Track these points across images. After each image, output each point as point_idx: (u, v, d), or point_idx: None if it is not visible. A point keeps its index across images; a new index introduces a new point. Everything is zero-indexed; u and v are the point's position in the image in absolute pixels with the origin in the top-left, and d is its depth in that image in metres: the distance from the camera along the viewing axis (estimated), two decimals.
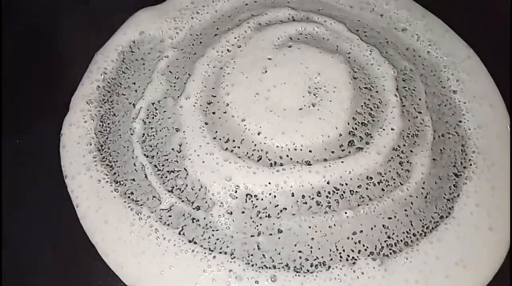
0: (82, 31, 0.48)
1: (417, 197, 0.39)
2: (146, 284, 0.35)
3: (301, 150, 0.40)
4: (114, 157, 0.40)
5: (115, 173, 0.39)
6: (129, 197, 0.38)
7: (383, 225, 0.38)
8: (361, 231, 0.37)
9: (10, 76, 0.44)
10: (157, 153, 0.40)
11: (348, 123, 0.41)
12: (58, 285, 0.36)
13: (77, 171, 0.39)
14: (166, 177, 0.39)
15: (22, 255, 0.36)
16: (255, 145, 0.40)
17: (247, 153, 0.40)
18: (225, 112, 0.42)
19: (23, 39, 0.46)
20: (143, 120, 0.42)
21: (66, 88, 0.43)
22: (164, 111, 0.43)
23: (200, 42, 0.47)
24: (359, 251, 0.36)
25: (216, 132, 0.41)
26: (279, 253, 0.36)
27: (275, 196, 0.38)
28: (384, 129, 0.41)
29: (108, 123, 0.42)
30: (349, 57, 0.46)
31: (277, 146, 0.40)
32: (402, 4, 0.50)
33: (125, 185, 0.39)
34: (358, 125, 0.41)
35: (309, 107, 0.41)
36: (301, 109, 0.41)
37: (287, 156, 0.40)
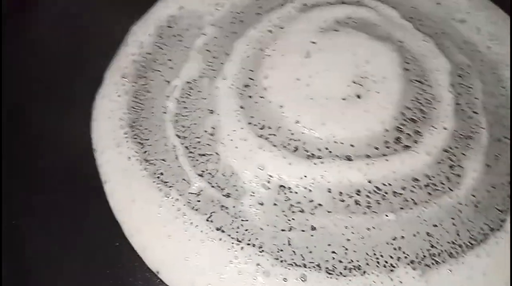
0: (120, 3, 0.46)
1: (466, 205, 0.36)
2: (169, 269, 0.33)
3: (342, 143, 0.37)
4: (145, 135, 0.39)
5: (145, 152, 0.38)
6: (158, 177, 0.37)
7: (427, 233, 0.35)
8: (402, 237, 0.34)
9: (47, 45, 0.43)
10: (190, 134, 0.39)
11: (396, 119, 0.38)
12: (80, 262, 0.35)
13: (107, 146, 0.37)
14: (197, 160, 0.37)
15: (46, 227, 0.36)
16: (292, 134, 0.38)
17: (283, 141, 0.37)
18: (262, 97, 0.39)
19: (63, 10, 0.45)
20: (177, 99, 0.40)
21: (102, 60, 0.42)
22: (199, 91, 0.40)
23: (241, 21, 0.44)
24: (398, 258, 0.34)
25: (252, 117, 0.39)
26: (311, 252, 0.34)
27: (310, 190, 0.35)
28: (435, 128, 0.38)
29: (142, 100, 0.40)
30: (401, 47, 0.42)
31: (316, 137, 0.37)
32: None
33: (155, 165, 0.37)
34: (407, 121, 0.38)
35: (353, 98, 0.38)
36: (344, 99, 0.38)
37: (326, 148, 0.37)
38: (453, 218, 0.35)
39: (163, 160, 0.38)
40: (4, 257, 0.34)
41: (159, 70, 0.42)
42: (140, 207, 0.35)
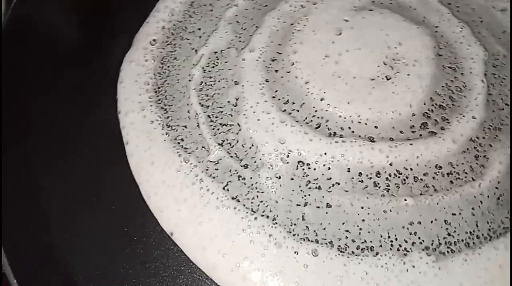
0: None
1: (488, 197, 0.35)
2: (183, 232, 0.34)
3: (366, 124, 0.36)
4: (169, 101, 0.39)
5: (168, 117, 0.38)
6: (178, 143, 0.37)
7: (445, 220, 0.34)
8: (419, 222, 0.34)
9: (79, 8, 0.43)
10: (212, 103, 0.39)
11: (425, 103, 0.37)
12: (97, 219, 0.35)
13: (131, 108, 0.38)
14: (218, 129, 0.37)
15: (66, 184, 0.36)
16: (316, 111, 0.37)
17: (306, 118, 0.37)
18: (288, 72, 0.39)
19: None
20: (203, 68, 0.40)
21: (131, 24, 0.42)
22: (226, 62, 0.40)
23: None
24: (413, 243, 0.33)
25: (276, 91, 0.38)
26: (324, 228, 0.34)
27: (329, 168, 0.35)
28: (464, 116, 0.37)
29: (168, 66, 0.40)
30: (436, 32, 0.41)
31: (340, 116, 0.37)
32: None
33: (177, 130, 0.37)
34: (435, 107, 0.37)
35: (382, 79, 0.38)
36: (373, 79, 0.37)
37: (349, 128, 0.36)
38: (473, 208, 0.34)
39: (184, 126, 0.38)
40: (26, 215, 0.35)
41: (187, 38, 0.42)
42: (159, 170, 0.36)
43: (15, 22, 0.39)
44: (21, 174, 0.36)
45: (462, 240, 0.33)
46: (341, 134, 0.36)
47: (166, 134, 0.37)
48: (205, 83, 0.40)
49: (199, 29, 0.42)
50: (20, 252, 0.32)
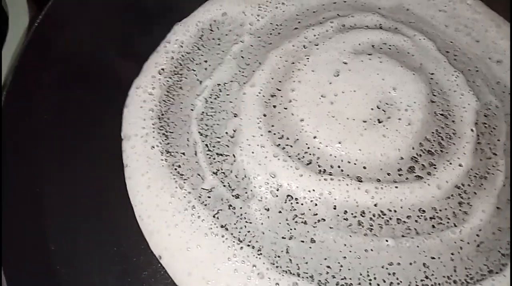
0: (166, 2, 0.48)
1: (468, 243, 0.36)
2: (170, 257, 0.35)
3: (355, 164, 0.38)
4: (171, 128, 0.41)
5: (168, 143, 0.40)
6: (175, 169, 0.39)
7: (424, 264, 0.35)
8: (399, 264, 0.35)
9: (94, 32, 0.46)
10: (211, 133, 0.41)
11: (413, 148, 0.38)
12: (90, 236, 0.37)
13: (134, 133, 0.40)
14: (214, 159, 0.39)
15: (65, 197, 0.38)
16: (308, 148, 0.39)
17: (298, 154, 0.39)
18: (286, 108, 0.41)
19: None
20: (205, 99, 0.42)
21: (141, 53, 0.45)
22: (227, 95, 0.43)
23: (279, 33, 0.46)
24: (390, 283, 0.34)
25: (273, 126, 0.40)
26: (307, 263, 0.35)
27: (316, 204, 0.37)
28: (451, 163, 0.38)
29: (173, 95, 0.43)
30: (431, 78, 0.42)
31: (331, 154, 0.38)
32: (504, 34, 0.46)
33: (175, 157, 0.40)
34: (424, 152, 0.39)
35: (374, 122, 0.39)
36: (365, 121, 0.39)
37: (339, 166, 0.38)
38: (452, 254, 0.35)
39: (183, 153, 0.40)
40: (26, 223, 0.36)
41: (194, 69, 0.44)
42: (155, 194, 0.38)
43: (33, 45, 0.42)
44: (23, 187, 0.38)
45: (439, 284, 0.34)
46: (330, 172, 0.38)
47: (165, 160, 0.39)
48: (206, 113, 0.42)
49: (206, 61, 0.45)
50: (18, 264, 0.34)
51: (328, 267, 0.35)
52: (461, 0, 0.47)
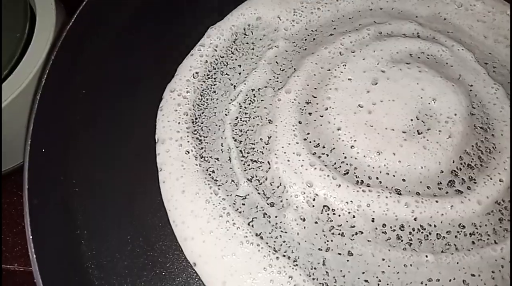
0: (202, 5, 0.48)
1: (510, 262, 0.35)
2: (205, 264, 0.35)
3: (394, 176, 0.37)
4: (205, 132, 0.41)
5: (202, 148, 0.40)
6: (209, 174, 0.38)
7: (464, 281, 0.34)
8: (438, 280, 0.34)
9: (129, 35, 0.45)
10: (245, 139, 0.40)
11: (453, 162, 0.37)
12: (124, 240, 0.37)
13: (169, 136, 0.40)
14: (249, 165, 0.39)
15: (98, 200, 0.38)
16: (345, 158, 0.38)
17: (335, 163, 0.38)
18: (322, 116, 0.40)
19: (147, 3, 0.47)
20: (239, 104, 0.42)
21: (175, 56, 0.44)
22: (262, 100, 0.42)
23: (314, 39, 0.46)
24: None
25: (308, 134, 0.40)
26: (344, 276, 0.34)
27: (353, 216, 0.36)
28: (491, 179, 0.37)
29: (207, 99, 0.42)
30: (470, 90, 0.41)
31: (369, 165, 0.38)
32: None
33: (209, 162, 0.39)
34: (464, 166, 0.38)
35: (414, 133, 0.38)
36: (405, 132, 0.38)
37: (377, 178, 0.37)
38: (493, 272, 0.34)
39: (217, 158, 0.39)
40: (59, 231, 0.36)
41: (227, 74, 0.44)
42: (189, 199, 0.37)
43: (66, 47, 0.42)
44: (55, 189, 0.38)
45: None
46: (368, 184, 0.37)
47: (199, 164, 0.39)
48: (240, 119, 0.41)
49: (239, 66, 0.44)
50: (51, 264, 0.33)
51: (366, 281, 0.34)
52: (501, 11, 0.46)
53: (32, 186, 0.35)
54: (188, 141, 0.40)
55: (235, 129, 0.41)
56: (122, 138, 0.41)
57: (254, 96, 0.42)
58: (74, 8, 0.44)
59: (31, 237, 0.33)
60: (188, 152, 0.39)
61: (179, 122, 0.40)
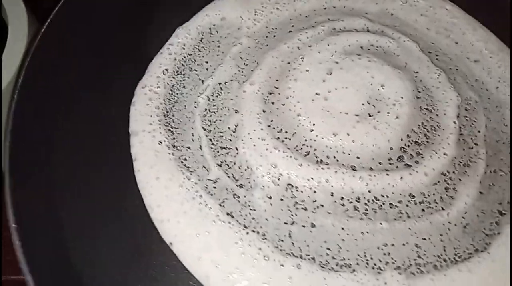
0: (170, 7, 0.51)
1: (455, 225, 0.39)
2: (180, 242, 0.37)
3: (349, 154, 0.41)
4: (176, 124, 0.43)
5: (174, 138, 0.42)
6: (182, 162, 0.41)
7: (416, 244, 0.38)
8: (393, 244, 0.38)
9: (100, 39, 0.48)
10: (214, 128, 0.43)
11: (402, 139, 0.42)
12: (102, 227, 0.39)
13: (142, 128, 0.42)
14: (218, 152, 0.42)
15: (78, 190, 0.40)
16: (306, 140, 0.42)
17: (297, 146, 0.42)
18: (283, 104, 0.44)
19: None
20: (208, 96, 0.45)
21: (146, 55, 0.47)
22: (228, 93, 0.45)
23: (274, 36, 0.49)
24: (386, 263, 0.37)
25: (272, 121, 0.43)
26: (308, 245, 0.38)
27: (315, 192, 0.39)
28: (436, 153, 0.41)
29: (177, 94, 0.45)
30: (416, 76, 0.46)
31: (327, 146, 0.41)
32: (480, 36, 0.50)
33: (181, 151, 0.42)
34: (411, 143, 0.42)
35: (365, 116, 0.42)
36: (357, 115, 0.42)
37: (334, 157, 0.41)
38: (441, 235, 0.38)
39: (188, 147, 0.42)
40: (41, 216, 0.38)
41: (195, 70, 0.47)
42: (163, 185, 0.40)
43: (39, 51, 0.43)
44: (37, 185, 0.39)
45: (431, 262, 0.37)
46: (326, 162, 0.41)
47: (172, 153, 0.41)
48: (209, 110, 0.44)
49: (207, 62, 0.48)
50: (38, 253, 0.35)
51: (328, 249, 0.37)
52: (440, 6, 0.52)
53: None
54: (161, 133, 0.42)
55: (205, 120, 0.44)
56: (99, 134, 0.43)
57: (221, 89, 0.46)
58: (45, 16, 0.46)
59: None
60: (161, 142, 0.42)
61: (151, 116, 0.43)
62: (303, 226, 0.38)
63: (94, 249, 0.37)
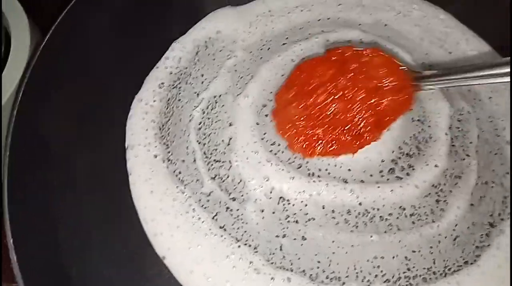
0: (166, 21, 0.52)
1: (445, 237, 0.40)
2: (173, 256, 0.38)
3: (340, 167, 0.42)
4: (171, 137, 0.44)
5: (169, 152, 0.43)
6: (176, 175, 0.42)
7: (405, 257, 0.38)
8: (382, 257, 0.38)
9: (100, 51, 0.48)
10: (208, 142, 0.44)
11: (393, 152, 0.42)
12: (98, 239, 0.40)
13: (138, 142, 0.43)
14: (212, 165, 0.43)
15: (74, 204, 0.41)
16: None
17: (289, 159, 0.42)
18: None
19: (114, 18, 0.51)
20: (202, 110, 0.46)
21: (142, 69, 0.48)
22: (223, 106, 0.46)
23: (269, 48, 0.50)
24: (375, 276, 0.38)
25: (265, 134, 0.44)
26: (299, 258, 0.38)
27: (306, 205, 0.40)
28: (427, 165, 0.42)
29: (173, 107, 0.46)
30: None
31: (319, 159, 0.42)
32: (473, 46, 0.50)
33: (176, 164, 0.43)
34: (403, 155, 0.42)
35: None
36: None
37: (326, 169, 0.42)
38: (431, 247, 0.39)
39: (183, 160, 0.43)
40: (38, 230, 0.39)
41: (191, 83, 0.48)
42: (158, 198, 0.41)
43: (39, 66, 0.44)
44: (34, 194, 0.40)
45: (420, 275, 0.38)
46: (318, 175, 0.41)
47: (166, 167, 0.42)
48: (203, 123, 0.45)
49: (202, 75, 0.48)
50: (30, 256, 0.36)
51: (319, 262, 0.38)
52: (434, 16, 0.52)
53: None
54: (156, 146, 0.43)
55: (199, 133, 0.45)
56: (96, 146, 0.44)
57: (216, 102, 0.46)
58: (47, 27, 0.47)
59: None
60: (156, 156, 0.43)
61: (147, 129, 0.44)
62: (294, 239, 0.39)
63: (89, 262, 0.38)
